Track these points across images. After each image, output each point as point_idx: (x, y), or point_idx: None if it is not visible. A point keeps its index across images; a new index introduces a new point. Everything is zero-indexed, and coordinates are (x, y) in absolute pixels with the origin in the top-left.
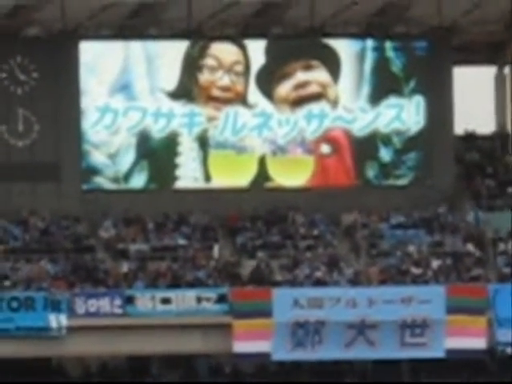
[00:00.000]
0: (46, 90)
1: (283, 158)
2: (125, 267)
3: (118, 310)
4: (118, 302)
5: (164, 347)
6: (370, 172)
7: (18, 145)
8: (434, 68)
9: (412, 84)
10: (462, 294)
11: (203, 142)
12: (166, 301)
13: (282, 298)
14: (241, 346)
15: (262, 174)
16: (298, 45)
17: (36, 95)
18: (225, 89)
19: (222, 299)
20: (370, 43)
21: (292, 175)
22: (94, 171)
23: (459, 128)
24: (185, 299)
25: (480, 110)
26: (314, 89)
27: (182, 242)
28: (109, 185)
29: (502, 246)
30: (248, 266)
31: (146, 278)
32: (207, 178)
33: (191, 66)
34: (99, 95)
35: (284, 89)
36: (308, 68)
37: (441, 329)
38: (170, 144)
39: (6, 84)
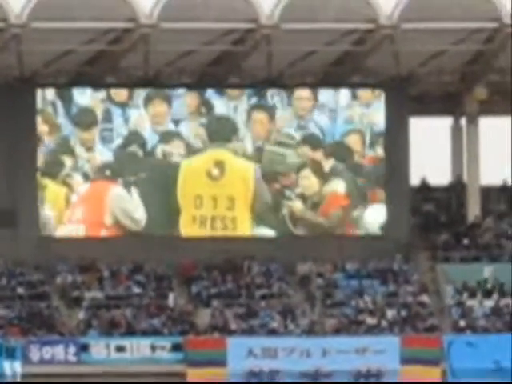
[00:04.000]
0: (2, 137)
1: None
2: (80, 315)
3: (73, 358)
4: (72, 349)
5: None
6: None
7: None
8: (390, 118)
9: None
10: (416, 345)
11: None
12: (120, 349)
13: (236, 348)
14: None
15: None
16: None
17: None
18: None
19: (176, 348)
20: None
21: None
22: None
23: (415, 178)
24: (139, 347)
25: (436, 160)
26: None
27: (136, 290)
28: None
29: (456, 297)
30: (203, 315)
31: (101, 325)
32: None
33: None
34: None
35: None
36: None
37: (395, 379)
38: None
39: None
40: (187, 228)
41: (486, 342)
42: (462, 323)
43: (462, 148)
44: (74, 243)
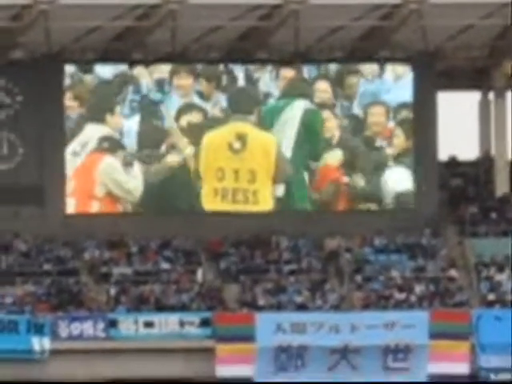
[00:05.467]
0: (30, 114)
1: None
2: (108, 291)
3: (102, 334)
4: (101, 325)
5: (147, 371)
6: None
7: (3, 168)
8: (418, 93)
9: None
10: (445, 320)
11: None
12: (149, 324)
13: (265, 323)
14: (224, 370)
15: None
16: None
17: (20, 118)
18: None
19: (205, 323)
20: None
21: None
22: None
23: (443, 154)
24: (168, 323)
25: (464, 135)
26: None
27: (165, 266)
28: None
29: (485, 272)
30: (232, 291)
31: (129, 301)
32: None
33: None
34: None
35: None
36: None
37: (424, 354)
38: None
39: None
40: (209, 201)
41: None
42: (491, 297)
43: (490, 123)
44: (102, 219)
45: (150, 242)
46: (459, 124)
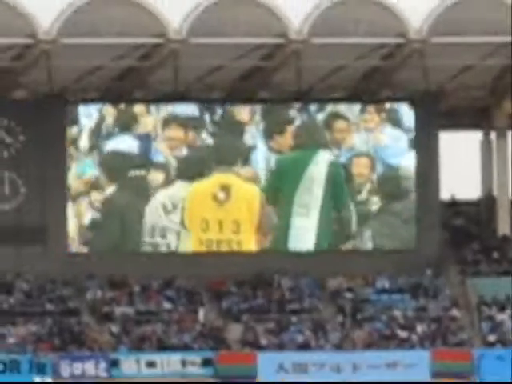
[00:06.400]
0: (32, 153)
1: None
2: (110, 330)
3: (104, 374)
4: (103, 365)
5: None
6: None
7: (5, 208)
8: (420, 132)
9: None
10: (447, 359)
11: None
12: (151, 364)
13: (267, 363)
14: None
15: None
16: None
17: (22, 158)
18: None
19: (207, 363)
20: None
21: None
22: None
23: (445, 193)
24: (170, 363)
25: (466, 175)
26: None
27: (167, 305)
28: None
29: (486, 311)
30: (234, 330)
31: (131, 341)
32: None
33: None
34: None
35: None
36: None
37: None
38: None
39: None
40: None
41: None
42: (492, 337)
43: (492, 162)
44: (102, 259)
45: (151, 282)
46: (461, 163)
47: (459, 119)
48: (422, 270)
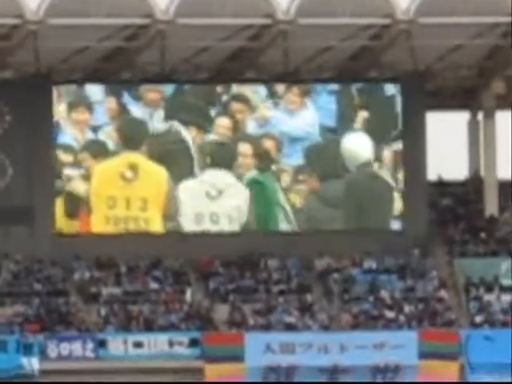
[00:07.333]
0: (19, 133)
1: None
2: (98, 311)
3: (91, 354)
4: (90, 345)
5: None
6: None
7: None
8: (407, 113)
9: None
10: (434, 340)
11: None
12: (138, 344)
13: (254, 343)
14: None
15: None
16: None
17: (9, 138)
18: None
19: (194, 343)
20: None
21: None
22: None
23: (432, 173)
24: (157, 343)
25: (453, 155)
26: None
27: (154, 286)
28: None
29: (474, 292)
30: (221, 311)
31: (118, 321)
32: None
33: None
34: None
35: None
36: None
37: (413, 374)
38: None
39: None
40: (100, 227)
41: (503, 336)
42: (480, 318)
43: (479, 142)
44: (90, 239)
45: (139, 262)
46: (448, 144)
47: (446, 99)
48: (409, 250)
